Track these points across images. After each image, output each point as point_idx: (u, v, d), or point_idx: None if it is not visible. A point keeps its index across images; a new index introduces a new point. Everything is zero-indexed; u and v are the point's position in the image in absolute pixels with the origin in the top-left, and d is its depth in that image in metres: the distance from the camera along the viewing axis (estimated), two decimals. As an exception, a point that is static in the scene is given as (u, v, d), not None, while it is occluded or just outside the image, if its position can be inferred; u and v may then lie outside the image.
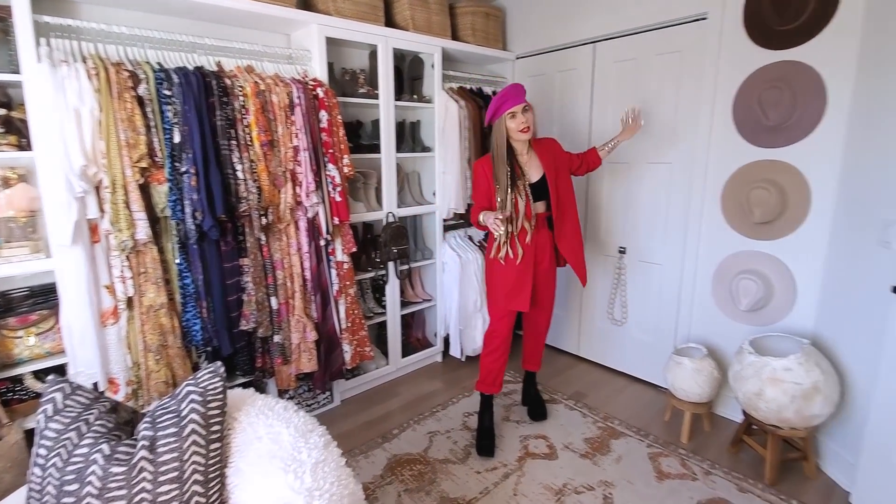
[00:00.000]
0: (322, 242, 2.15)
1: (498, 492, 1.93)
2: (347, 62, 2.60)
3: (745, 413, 2.11)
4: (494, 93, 3.08)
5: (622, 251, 2.82)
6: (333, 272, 2.23)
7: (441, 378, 2.89)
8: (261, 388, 2.17)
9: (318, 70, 2.19)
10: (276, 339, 2.07)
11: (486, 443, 2.17)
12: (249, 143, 1.88)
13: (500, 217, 1.87)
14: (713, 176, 2.38)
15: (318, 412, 2.47)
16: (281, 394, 2.25)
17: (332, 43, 2.31)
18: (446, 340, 3.02)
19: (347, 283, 2.28)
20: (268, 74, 2.02)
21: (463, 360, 2.98)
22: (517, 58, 3.17)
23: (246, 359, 2.02)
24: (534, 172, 2.07)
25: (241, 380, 2.08)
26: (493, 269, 2.14)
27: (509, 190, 1.98)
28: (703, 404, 2.28)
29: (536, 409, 2.45)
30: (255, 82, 1.89)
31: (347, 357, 2.30)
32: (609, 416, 2.48)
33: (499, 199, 1.99)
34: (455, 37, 2.82)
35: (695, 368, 2.24)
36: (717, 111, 2.32)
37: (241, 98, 1.86)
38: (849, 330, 1.96)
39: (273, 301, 2.04)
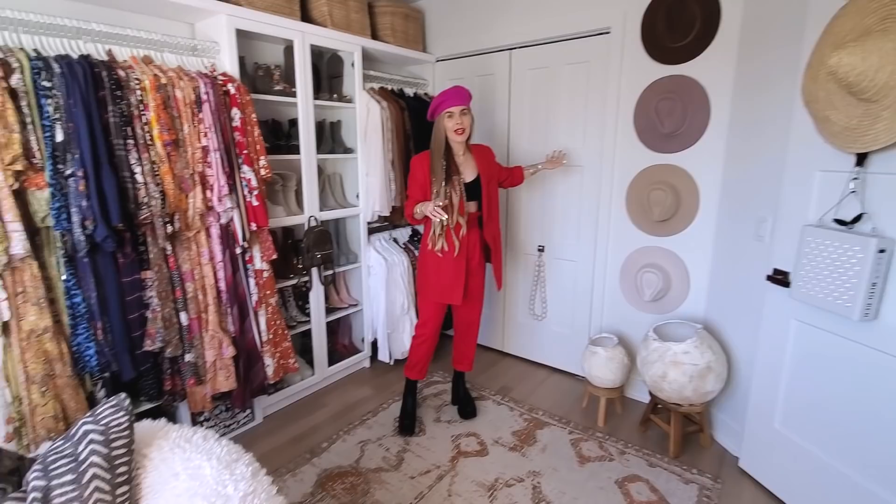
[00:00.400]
0: (238, 250, 2.00)
1: (432, 495, 1.94)
2: (260, 57, 2.44)
3: (651, 394, 2.32)
4: (416, 94, 3.08)
5: (541, 249, 2.97)
6: (252, 281, 2.09)
7: (370, 384, 2.83)
8: (171, 414, 1.98)
9: (228, 64, 2.03)
10: (188, 357, 1.89)
11: (407, 423, 2.34)
12: (150, 142, 1.69)
13: (440, 203, 1.97)
14: (619, 178, 2.58)
15: (239, 432, 2.31)
16: (195, 417, 2.07)
17: (242, 36, 2.16)
18: (374, 345, 2.97)
19: (268, 292, 2.15)
20: (170, 67, 1.83)
21: (391, 363, 2.95)
22: (437, 60, 3.19)
23: (152, 382, 1.82)
24: (469, 172, 2.17)
25: (147, 405, 1.87)
26: (427, 263, 2.22)
27: (444, 184, 2.05)
28: (616, 389, 2.48)
29: (466, 407, 2.50)
30: (156, 75, 1.70)
31: (270, 371, 2.16)
32: (534, 407, 2.60)
33: (434, 191, 2.06)
34: (375, 36, 2.77)
35: (608, 357, 2.42)
36: (620, 118, 2.52)
37: (139, 92, 1.66)
38: (732, 314, 2.24)
39: (183, 316, 1.86)
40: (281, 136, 2.42)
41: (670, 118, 2.33)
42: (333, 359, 2.80)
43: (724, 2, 2.15)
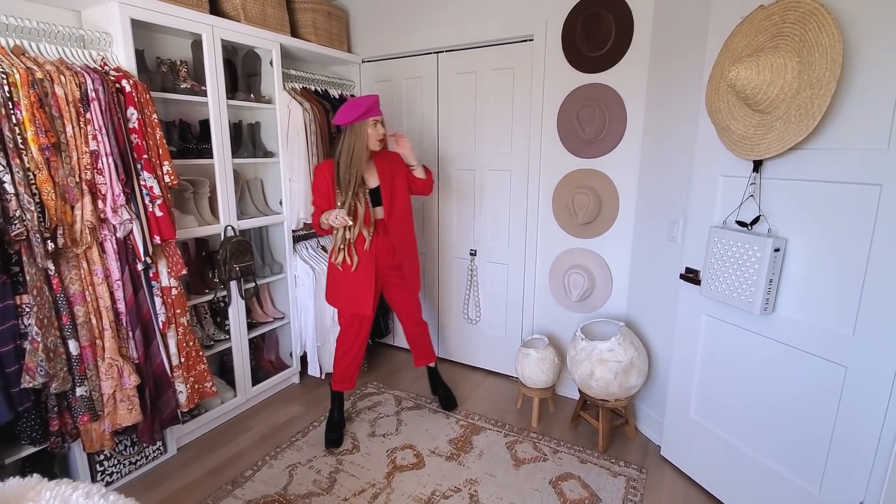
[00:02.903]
0: (140, 266, 1.79)
1: (368, 515, 1.86)
2: (163, 51, 2.21)
3: (580, 391, 2.40)
4: (342, 95, 2.96)
5: (473, 254, 2.97)
6: (158, 301, 1.88)
7: (300, 401, 2.68)
8: (61, 457, 1.73)
9: (123, 58, 1.81)
10: (80, 391, 1.65)
11: (332, 436, 2.29)
12: (22, 146, 1.45)
13: (346, 211, 1.99)
14: (545, 182, 2.65)
15: (149, 468, 2.07)
16: (93, 457, 1.82)
17: (141, 27, 1.95)
18: (304, 359, 2.82)
19: (178, 311, 1.94)
20: (49, 59, 1.60)
21: (322, 377, 2.81)
22: (363, 61, 3.10)
23: (35, 423, 1.58)
24: (372, 179, 2.18)
25: (31, 449, 1.62)
26: (333, 278, 2.24)
27: (351, 194, 2.06)
28: (548, 389, 2.53)
29: (447, 401, 2.58)
30: (29, 68, 1.47)
31: (183, 398, 1.96)
32: (470, 412, 2.59)
33: (339, 202, 2.07)
34: (295, 34, 2.62)
35: (539, 358, 2.47)
36: (544, 124, 2.58)
37: (7, 88, 1.42)
38: (650, 310, 2.37)
39: (72, 345, 1.62)
40: (190, 139, 2.21)
41: (591, 125, 2.41)
42: (258, 377, 2.62)
43: (636, 15, 2.26)
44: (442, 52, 2.82)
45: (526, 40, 2.56)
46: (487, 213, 2.88)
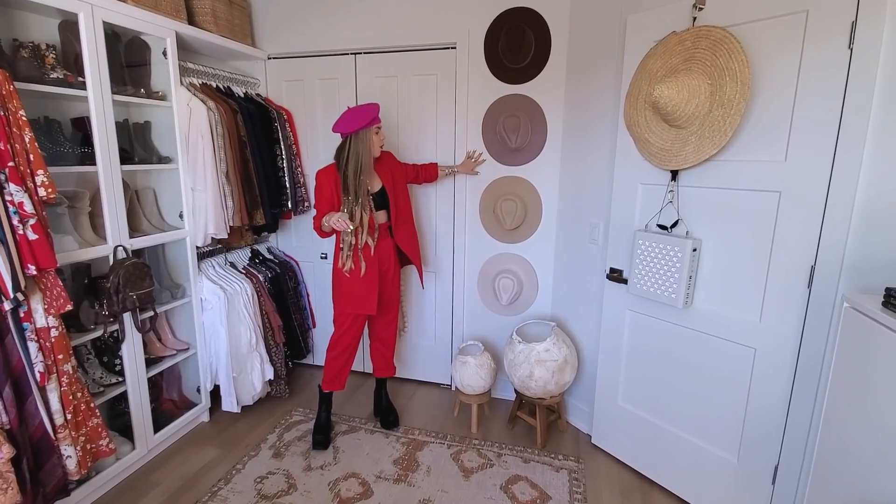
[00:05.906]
0: (7, 306, 1.39)
1: (322, 561, 1.68)
2: (21, 32, 1.76)
3: (517, 393, 2.45)
4: (247, 94, 2.65)
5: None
6: (33, 346, 1.47)
7: (214, 442, 2.33)
8: None
9: (-31, 38, 1.40)
10: (-76, 477, 1.23)
11: (320, 437, 2.31)
12: None
13: (347, 215, 2.00)
14: (471, 190, 2.67)
15: (21, 557, 1.62)
16: (-60, 560, 1.37)
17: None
18: (213, 393, 2.47)
19: (60, 356, 1.55)
20: None
21: (239, 411, 2.48)
22: (269, 57, 2.82)
23: None
24: (375, 184, 2.21)
25: None
26: (338, 281, 2.23)
27: (359, 202, 2.08)
28: (486, 394, 2.55)
29: (389, 416, 2.51)
30: None
31: (72, 464, 1.57)
32: (408, 427, 2.50)
33: (346, 210, 2.08)
34: (192, 21, 2.28)
35: (478, 364, 2.47)
36: (470, 133, 2.60)
37: None
38: (574, 308, 2.51)
39: None
40: (62, 141, 1.79)
41: (516, 134, 2.48)
42: (160, 421, 2.22)
43: (553, 33, 2.38)
44: (360, 53, 2.69)
45: (449, 48, 2.55)
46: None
